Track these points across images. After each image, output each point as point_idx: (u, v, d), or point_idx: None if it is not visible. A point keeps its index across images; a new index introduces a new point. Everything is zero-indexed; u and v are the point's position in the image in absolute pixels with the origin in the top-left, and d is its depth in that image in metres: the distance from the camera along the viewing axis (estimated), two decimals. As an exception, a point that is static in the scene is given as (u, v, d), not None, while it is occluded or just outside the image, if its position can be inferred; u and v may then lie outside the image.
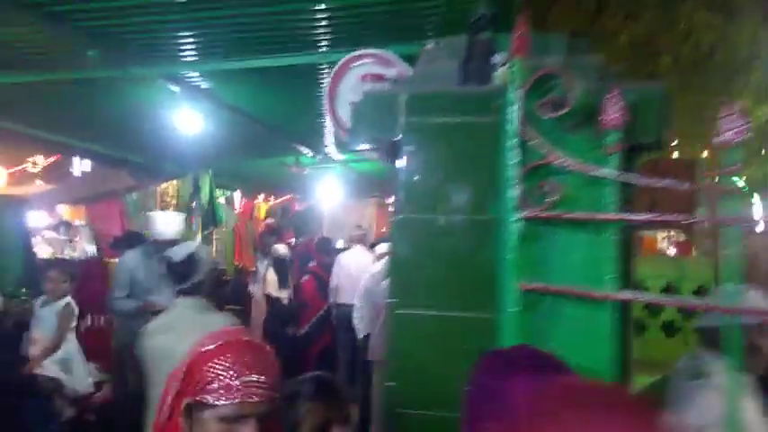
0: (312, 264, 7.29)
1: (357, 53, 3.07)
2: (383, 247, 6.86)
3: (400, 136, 1.73)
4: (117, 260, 4.58)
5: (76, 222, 6.60)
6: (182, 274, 2.47)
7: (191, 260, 2.50)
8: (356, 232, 6.25)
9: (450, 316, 1.65)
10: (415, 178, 1.69)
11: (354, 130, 1.84)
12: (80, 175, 6.74)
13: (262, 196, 11.04)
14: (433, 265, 1.66)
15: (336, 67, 3.07)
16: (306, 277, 6.20)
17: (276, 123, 5.11)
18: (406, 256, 1.70)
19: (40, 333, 3.54)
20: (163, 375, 1.40)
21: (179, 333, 2.20)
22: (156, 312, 3.02)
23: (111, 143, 5.58)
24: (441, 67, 1.81)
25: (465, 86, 1.71)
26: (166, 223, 4.34)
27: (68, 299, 3.65)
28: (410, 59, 2.73)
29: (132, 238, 4.77)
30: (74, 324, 3.66)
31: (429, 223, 1.67)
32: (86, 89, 4.11)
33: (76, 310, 3.68)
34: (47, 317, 3.58)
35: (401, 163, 1.75)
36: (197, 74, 3.96)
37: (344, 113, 3.03)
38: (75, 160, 6.21)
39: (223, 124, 4.83)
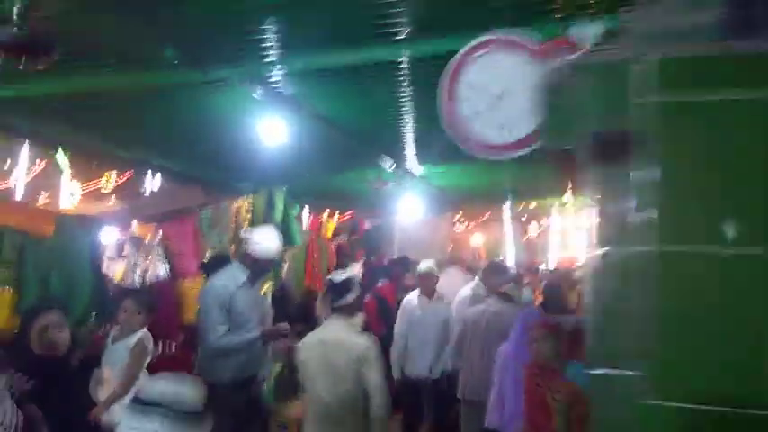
0: (380, 283, 6.80)
1: (482, 38, 2.51)
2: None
3: (626, 126, 1.15)
4: (202, 286, 4.13)
5: (148, 241, 6.31)
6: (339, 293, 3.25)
7: (349, 282, 3.36)
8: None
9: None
10: (668, 188, 1.10)
11: (551, 122, 1.26)
12: (152, 192, 6.47)
13: (327, 212, 10.66)
14: (705, 326, 1.05)
15: (457, 57, 2.52)
16: (367, 298, 5.77)
17: (358, 131, 4.61)
18: (658, 310, 1.10)
19: (110, 371, 3.12)
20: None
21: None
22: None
23: (186, 158, 5.24)
24: (681, 18, 1.21)
25: (745, 44, 1.11)
26: (267, 240, 3.96)
27: (143, 332, 3.24)
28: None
29: (223, 261, 4.37)
30: (147, 360, 3.24)
31: (695, 259, 1.06)
32: (162, 98, 3.74)
33: (151, 346, 3.26)
34: (119, 353, 3.18)
35: (623, 166, 1.16)
36: (279, 76, 3.50)
37: (470, 113, 2.47)
38: (148, 177, 5.93)
39: (303, 135, 4.38)
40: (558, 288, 6.59)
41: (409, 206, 7.07)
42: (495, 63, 2.37)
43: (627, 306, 1.13)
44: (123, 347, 3.19)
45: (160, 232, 5.99)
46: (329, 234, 9.82)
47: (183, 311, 5.12)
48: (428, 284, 5.52)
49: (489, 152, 2.45)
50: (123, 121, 4.26)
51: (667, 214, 1.08)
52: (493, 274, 6.15)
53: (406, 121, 4.30)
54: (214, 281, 3.87)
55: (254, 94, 3.46)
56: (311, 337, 3.21)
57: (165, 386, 1.54)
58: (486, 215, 13.19)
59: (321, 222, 10.48)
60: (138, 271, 5.85)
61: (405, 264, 7.67)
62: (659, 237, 1.08)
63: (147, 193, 6.39)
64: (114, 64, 3.16)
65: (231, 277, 3.83)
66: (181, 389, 1.53)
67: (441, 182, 6.68)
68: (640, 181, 1.10)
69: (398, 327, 5.43)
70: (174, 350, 4.95)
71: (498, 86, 2.39)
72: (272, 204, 6.29)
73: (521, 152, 2.40)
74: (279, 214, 6.31)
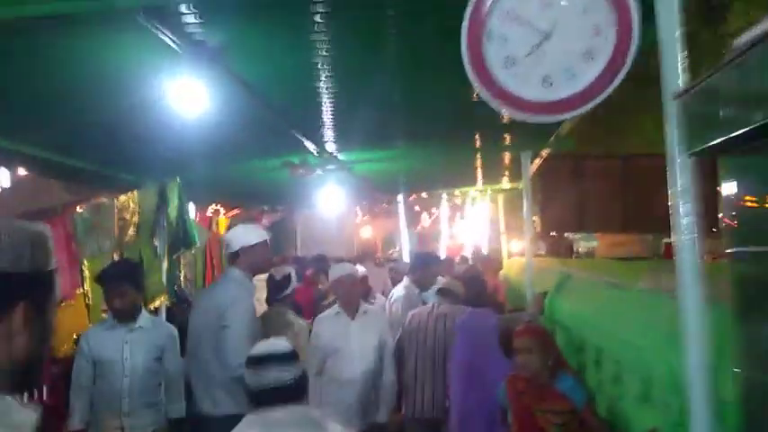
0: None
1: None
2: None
3: None
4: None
5: None
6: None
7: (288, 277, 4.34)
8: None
9: None
10: None
11: None
12: (2, 188, 5.09)
13: (213, 208, 9.46)
14: None
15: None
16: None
17: (280, 104, 3.65)
18: None
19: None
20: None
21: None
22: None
23: (50, 140, 3.97)
24: None
25: None
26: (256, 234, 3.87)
27: None
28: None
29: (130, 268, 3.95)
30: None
31: None
32: (11, 41, 2.58)
33: None
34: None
35: None
36: (195, 16, 2.49)
37: (504, 59, 1.74)
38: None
39: (215, 107, 3.41)
40: (480, 280, 6.11)
41: (329, 197, 6.22)
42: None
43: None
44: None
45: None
46: (222, 231, 8.69)
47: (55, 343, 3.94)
48: (350, 293, 4.14)
49: (525, 112, 1.76)
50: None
51: None
52: (421, 268, 5.53)
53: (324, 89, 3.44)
54: (239, 293, 3.52)
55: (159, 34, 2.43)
56: None
57: None
58: (383, 206, 12.72)
59: (211, 219, 9.33)
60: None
61: (321, 263, 6.85)
62: None
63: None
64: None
65: (247, 290, 3.61)
66: None
67: (361, 170, 5.93)
68: None
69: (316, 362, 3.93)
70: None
71: (548, 20, 1.70)
72: (164, 200, 5.17)
73: (566, 114, 1.74)
74: (173, 212, 5.20)
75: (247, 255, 3.68)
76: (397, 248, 12.48)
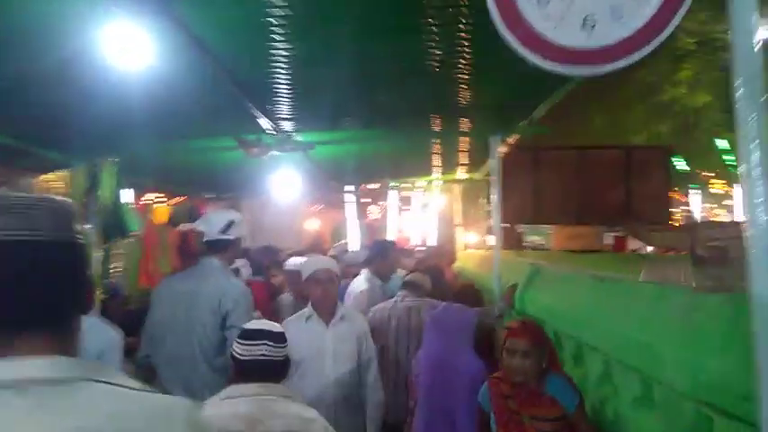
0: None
1: None
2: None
3: None
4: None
5: None
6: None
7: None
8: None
9: None
10: None
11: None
12: None
13: (155, 196, 8.82)
14: None
15: None
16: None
17: (234, 64, 3.19)
18: None
19: None
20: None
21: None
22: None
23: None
24: None
25: None
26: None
27: None
28: None
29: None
30: None
31: None
32: None
33: None
34: None
35: None
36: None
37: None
38: None
39: (160, 72, 2.96)
40: (439, 272, 5.85)
41: (282, 184, 5.78)
42: None
43: None
44: None
45: None
46: (161, 219, 8.08)
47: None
48: (327, 292, 3.37)
49: (562, 63, 1.45)
50: None
51: None
52: (381, 256, 5.22)
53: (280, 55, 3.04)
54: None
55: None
56: None
57: None
58: (334, 196, 12.36)
59: (150, 207, 8.72)
60: None
61: (270, 255, 6.41)
62: None
63: None
64: None
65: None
66: None
67: (318, 153, 5.54)
68: None
69: None
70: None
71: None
72: (96, 181, 4.62)
73: (611, 66, 1.45)
74: (108, 196, 4.67)
75: (235, 246, 3.44)
76: (345, 241, 12.14)
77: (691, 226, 10.94)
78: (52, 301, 0.90)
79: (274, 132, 4.34)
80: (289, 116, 4.16)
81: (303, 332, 3.22)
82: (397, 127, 4.89)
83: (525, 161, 7.41)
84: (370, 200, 15.88)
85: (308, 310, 3.38)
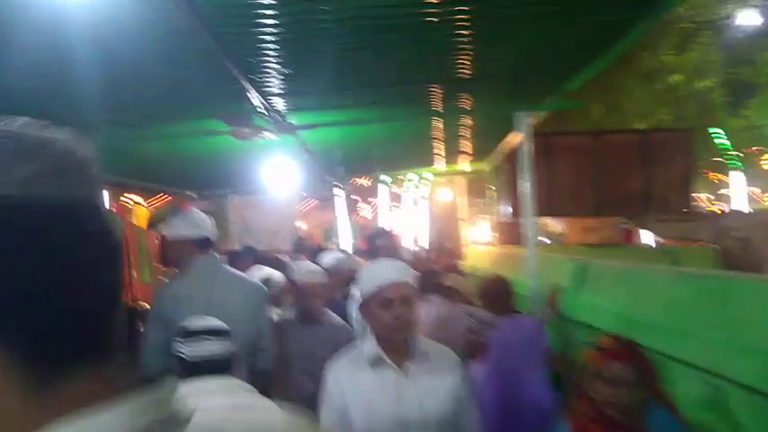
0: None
1: None
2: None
3: None
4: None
5: None
6: None
7: None
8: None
9: None
10: None
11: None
12: None
13: (132, 200, 8.13)
14: None
15: None
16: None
17: (221, 30, 2.54)
18: None
19: None
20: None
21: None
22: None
23: None
24: None
25: None
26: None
27: None
28: None
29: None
30: None
31: None
32: None
33: None
34: None
35: None
36: None
37: None
38: None
39: (139, 25, 2.30)
40: (434, 273, 5.21)
41: (273, 176, 5.10)
42: None
43: None
44: None
45: None
46: (142, 223, 7.39)
47: None
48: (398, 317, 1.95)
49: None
50: None
51: None
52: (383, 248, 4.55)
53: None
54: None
55: None
56: None
57: None
58: (324, 193, 11.75)
59: (128, 208, 8.04)
60: None
61: (251, 257, 5.72)
62: None
63: None
64: None
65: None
66: None
67: (312, 138, 4.89)
68: None
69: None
70: None
71: None
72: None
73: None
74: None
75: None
76: (337, 241, 11.52)
77: (713, 217, 10.41)
78: None
79: (265, 113, 3.68)
80: (280, 91, 3.50)
81: (365, 384, 1.90)
82: (402, 104, 4.27)
83: (537, 148, 6.84)
84: (359, 199, 15.30)
85: (369, 347, 1.96)
